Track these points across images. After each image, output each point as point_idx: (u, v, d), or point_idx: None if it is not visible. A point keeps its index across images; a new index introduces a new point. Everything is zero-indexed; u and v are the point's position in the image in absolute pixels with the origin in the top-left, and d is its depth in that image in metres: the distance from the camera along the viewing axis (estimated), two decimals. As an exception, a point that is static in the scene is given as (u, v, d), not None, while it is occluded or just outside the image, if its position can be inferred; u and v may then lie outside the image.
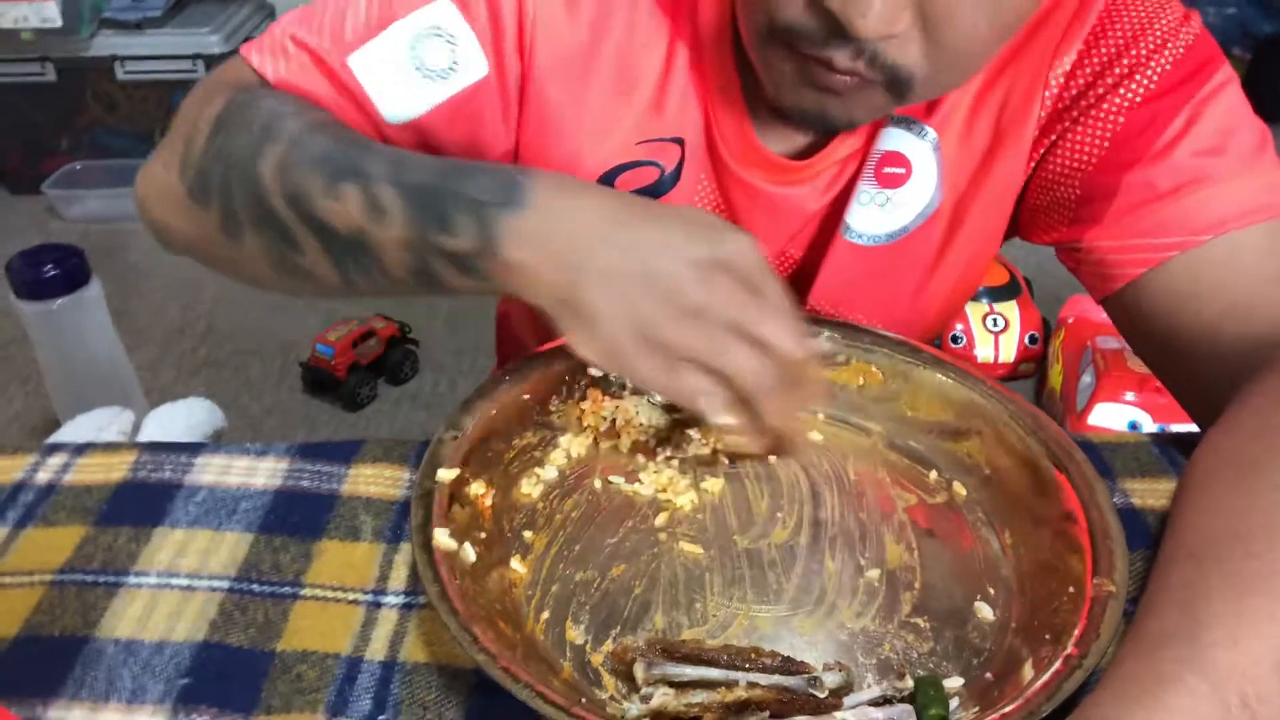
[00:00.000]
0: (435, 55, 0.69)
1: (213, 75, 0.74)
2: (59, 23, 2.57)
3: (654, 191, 0.76)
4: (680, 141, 0.74)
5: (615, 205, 0.57)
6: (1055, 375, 2.06)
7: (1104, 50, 0.68)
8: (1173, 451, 0.68)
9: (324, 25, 0.70)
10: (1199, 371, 0.67)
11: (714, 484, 0.65)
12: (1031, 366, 2.18)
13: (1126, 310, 0.71)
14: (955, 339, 2.15)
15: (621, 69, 0.72)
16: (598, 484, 0.65)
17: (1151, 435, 0.70)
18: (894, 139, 0.73)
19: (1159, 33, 0.67)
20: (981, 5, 0.56)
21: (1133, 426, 1.80)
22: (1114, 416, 1.82)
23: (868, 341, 0.72)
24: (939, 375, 0.69)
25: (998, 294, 2.19)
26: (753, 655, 0.51)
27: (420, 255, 0.59)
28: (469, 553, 0.56)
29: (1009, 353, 2.14)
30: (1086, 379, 1.91)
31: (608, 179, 0.75)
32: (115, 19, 2.71)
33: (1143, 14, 0.68)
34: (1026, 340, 2.15)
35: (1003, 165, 0.73)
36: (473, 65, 0.70)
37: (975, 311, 2.16)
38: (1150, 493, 0.65)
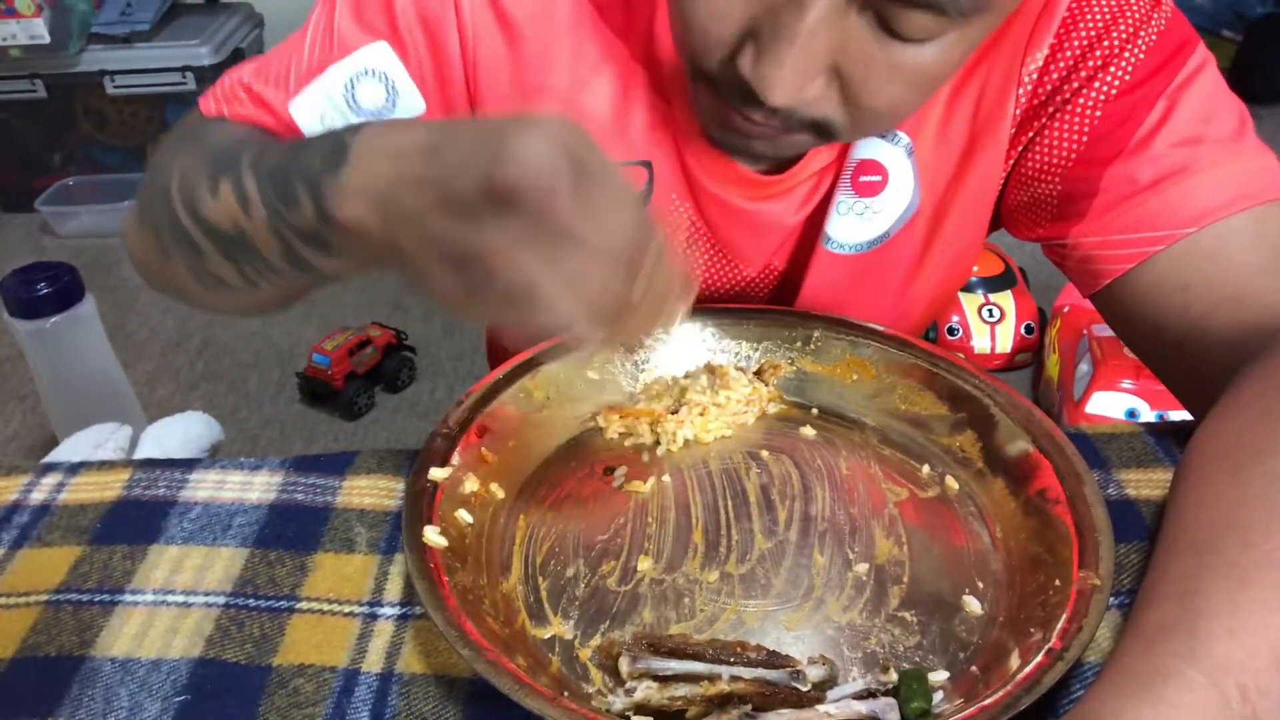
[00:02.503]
0: (371, 95, 0.70)
1: (182, 120, 0.76)
2: (47, 39, 2.57)
3: None
4: (648, 165, 0.74)
5: (430, 134, 0.49)
6: (1052, 364, 2.06)
7: (1075, 44, 0.68)
8: (1168, 442, 0.68)
9: (270, 73, 0.72)
10: (1191, 364, 0.67)
11: (706, 480, 0.65)
12: (1028, 356, 2.18)
13: (1116, 306, 0.71)
14: (951, 330, 2.15)
15: (574, 95, 0.72)
16: (589, 480, 0.65)
17: (1146, 425, 0.70)
18: (868, 147, 0.73)
19: (1130, 21, 0.67)
20: (898, 75, 0.56)
21: (1130, 414, 1.80)
22: (1112, 404, 1.82)
23: (861, 337, 0.72)
24: (932, 369, 0.69)
25: (993, 285, 2.19)
26: (738, 649, 0.51)
27: (281, 238, 0.57)
28: (459, 549, 0.57)
29: (1005, 343, 2.14)
30: (1084, 367, 1.91)
31: None
32: (104, 33, 2.71)
33: (1113, 3, 0.67)
34: (1023, 330, 2.15)
35: (980, 165, 0.73)
36: (409, 103, 0.71)
37: (971, 303, 2.16)
38: (1146, 483, 0.65)
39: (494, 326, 0.49)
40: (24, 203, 2.79)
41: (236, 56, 2.81)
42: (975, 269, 2.19)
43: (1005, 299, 2.17)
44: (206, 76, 2.70)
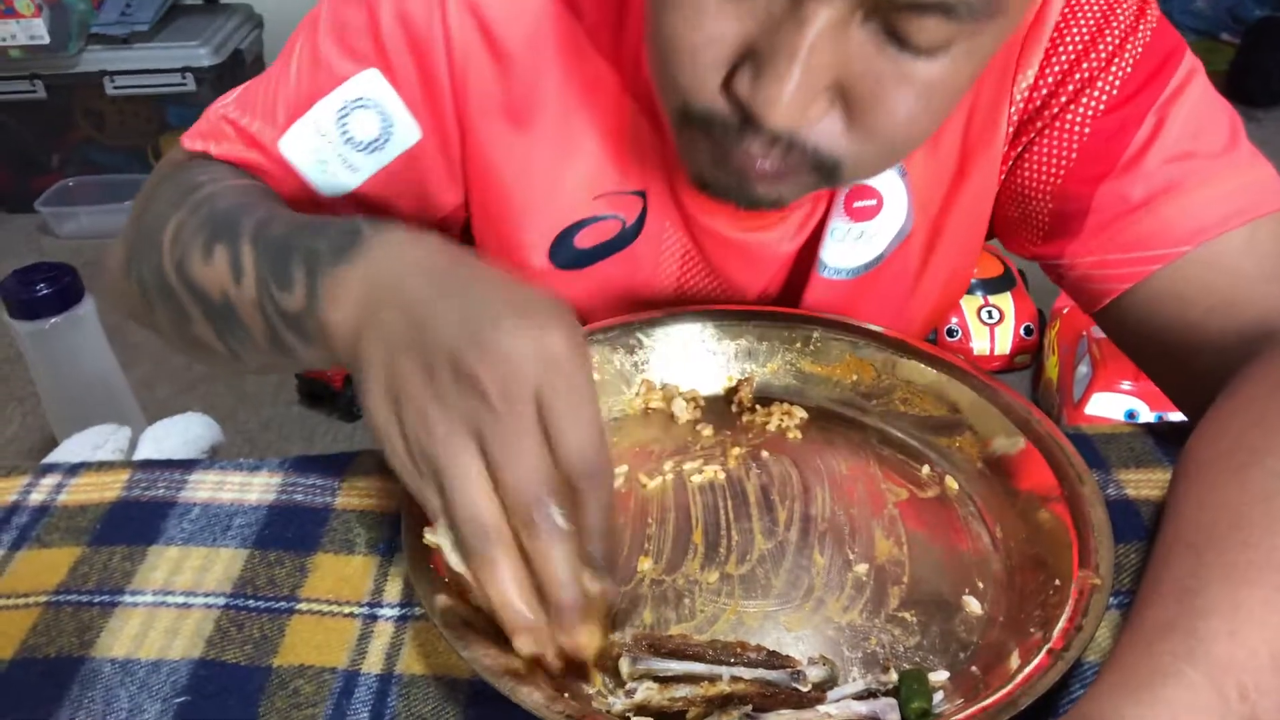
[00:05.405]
0: (364, 127, 0.69)
1: (166, 155, 0.75)
2: (47, 39, 2.57)
3: (617, 244, 0.75)
4: (641, 194, 0.73)
5: (435, 267, 0.51)
6: (1051, 366, 2.06)
7: (1063, 57, 0.67)
8: (1167, 442, 0.68)
9: (256, 106, 0.70)
10: (1186, 368, 0.67)
11: (707, 478, 0.65)
12: (1028, 358, 2.18)
13: (1115, 320, 0.71)
14: (951, 332, 2.15)
15: (564, 122, 0.70)
16: None
17: (1146, 425, 0.70)
18: None
19: (1116, 33, 0.66)
20: (910, 90, 0.52)
21: (1130, 415, 1.80)
22: (1111, 405, 1.82)
23: (860, 338, 0.72)
24: (932, 370, 0.69)
25: (992, 286, 2.19)
26: (738, 649, 0.51)
27: (267, 318, 0.56)
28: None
29: (1005, 345, 2.14)
30: (1083, 369, 1.92)
31: (565, 236, 0.74)
32: (103, 34, 2.71)
33: (1098, 15, 0.66)
34: (1022, 332, 2.15)
35: (974, 182, 0.72)
36: (405, 131, 0.69)
37: (970, 304, 2.16)
38: (1145, 483, 0.65)
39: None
40: (23, 203, 2.79)
41: (236, 57, 2.81)
42: (974, 271, 2.19)
43: (1004, 300, 2.17)
44: (206, 78, 2.70)
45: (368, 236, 0.53)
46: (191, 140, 0.72)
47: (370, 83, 0.68)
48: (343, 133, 0.69)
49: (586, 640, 0.48)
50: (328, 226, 0.56)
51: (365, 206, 0.72)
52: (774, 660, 0.51)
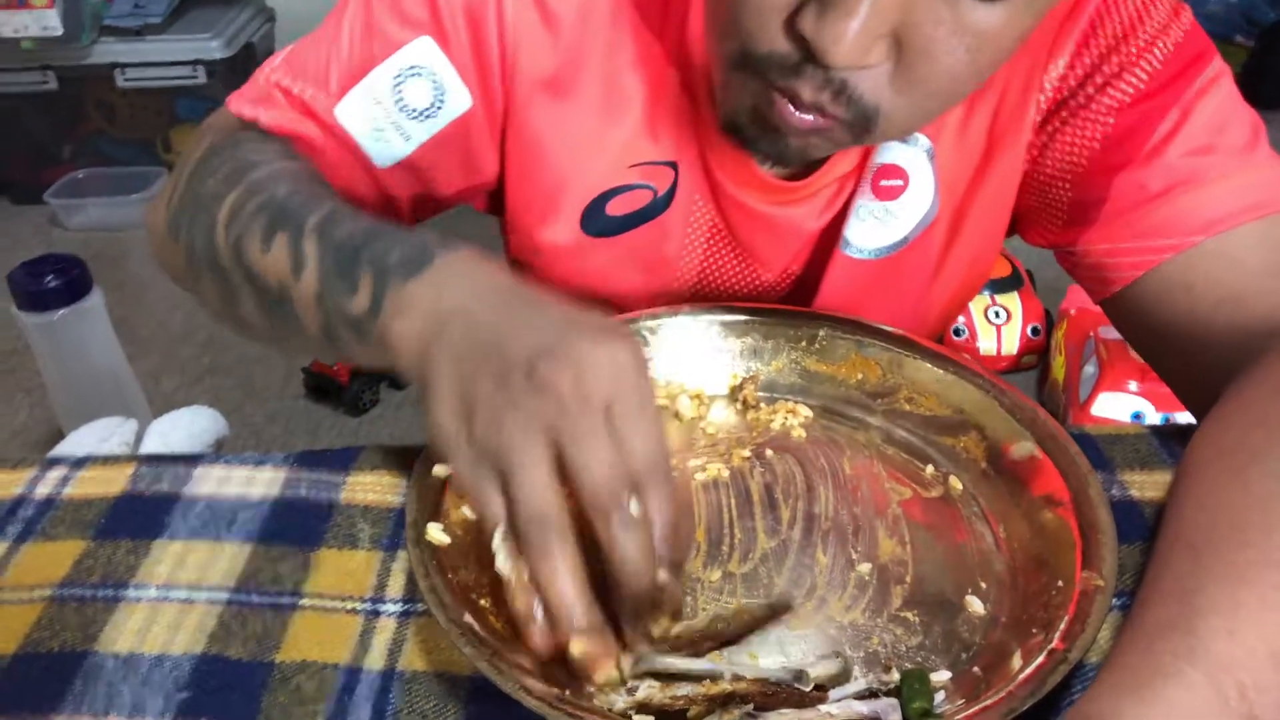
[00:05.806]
0: (418, 95, 0.69)
1: (212, 116, 0.75)
2: (60, 31, 2.58)
3: (648, 213, 0.75)
4: (674, 165, 0.74)
5: (504, 290, 0.52)
6: (1058, 366, 2.06)
7: (1094, 50, 0.68)
8: (1172, 443, 0.68)
9: (307, 70, 0.70)
10: (1192, 363, 0.67)
11: (711, 474, 0.65)
12: (1034, 358, 2.18)
13: (1123, 311, 0.71)
14: (957, 332, 2.14)
15: (606, 91, 0.71)
16: None
17: (1151, 427, 0.70)
18: (890, 151, 0.72)
19: (1149, 30, 0.67)
20: (963, 40, 0.53)
21: (1136, 416, 1.80)
22: (1117, 406, 1.82)
23: (866, 336, 0.72)
24: (937, 369, 0.69)
25: (1000, 286, 2.18)
26: (744, 617, 0.53)
27: (326, 313, 0.57)
28: (462, 546, 0.56)
29: (1011, 345, 2.14)
30: (1089, 369, 1.91)
31: (599, 203, 0.75)
32: (116, 26, 2.71)
33: (1132, 11, 0.67)
34: (1029, 332, 2.14)
35: (999, 169, 0.73)
36: (457, 99, 0.70)
37: (977, 304, 2.16)
38: (1150, 485, 0.64)
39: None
40: (33, 195, 2.80)
41: (248, 51, 2.82)
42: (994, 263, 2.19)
43: (1011, 300, 2.17)
44: (217, 71, 2.71)
45: (436, 255, 0.54)
46: (240, 104, 0.72)
47: (424, 51, 0.68)
48: (397, 100, 0.69)
49: (657, 631, 0.50)
50: (396, 237, 0.56)
51: (414, 172, 0.73)
52: (777, 610, 0.54)
